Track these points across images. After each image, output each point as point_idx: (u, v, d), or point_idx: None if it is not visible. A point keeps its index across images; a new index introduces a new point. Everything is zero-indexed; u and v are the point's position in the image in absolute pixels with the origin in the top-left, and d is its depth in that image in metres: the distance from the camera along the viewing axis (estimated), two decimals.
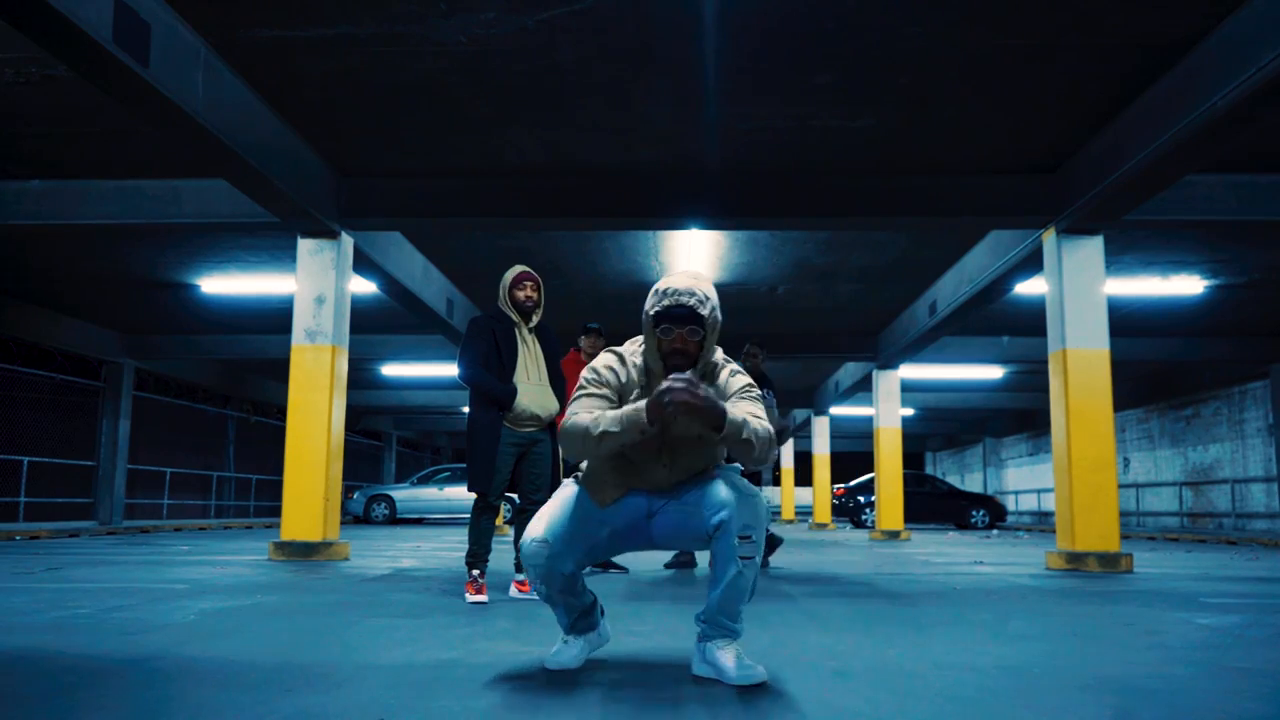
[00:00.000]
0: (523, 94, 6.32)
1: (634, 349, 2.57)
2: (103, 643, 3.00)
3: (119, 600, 4.26)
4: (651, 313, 2.42)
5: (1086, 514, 7.12)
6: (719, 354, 2.56)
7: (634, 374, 2.51)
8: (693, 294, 2.39)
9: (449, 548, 9.71)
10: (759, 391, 2.50)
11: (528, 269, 4.62)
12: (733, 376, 2.51)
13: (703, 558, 7.09)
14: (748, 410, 2.41)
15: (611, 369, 2.52)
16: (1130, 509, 20.91)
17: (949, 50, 5.70)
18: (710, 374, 2.51)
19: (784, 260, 10.41)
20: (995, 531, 19.70)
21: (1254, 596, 5.02)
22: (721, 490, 2.39)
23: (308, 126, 6.90)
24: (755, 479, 37.31)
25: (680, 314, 2.39)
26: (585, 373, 2.52)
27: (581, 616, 2.63)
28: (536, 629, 3.43)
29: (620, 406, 2.46)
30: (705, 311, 2.40)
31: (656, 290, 2.42)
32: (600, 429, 2.34)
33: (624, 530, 2.53)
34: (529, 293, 4.57)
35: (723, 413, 2.29)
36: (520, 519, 4.69)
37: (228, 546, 9.61)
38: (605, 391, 2.48)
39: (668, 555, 7.05)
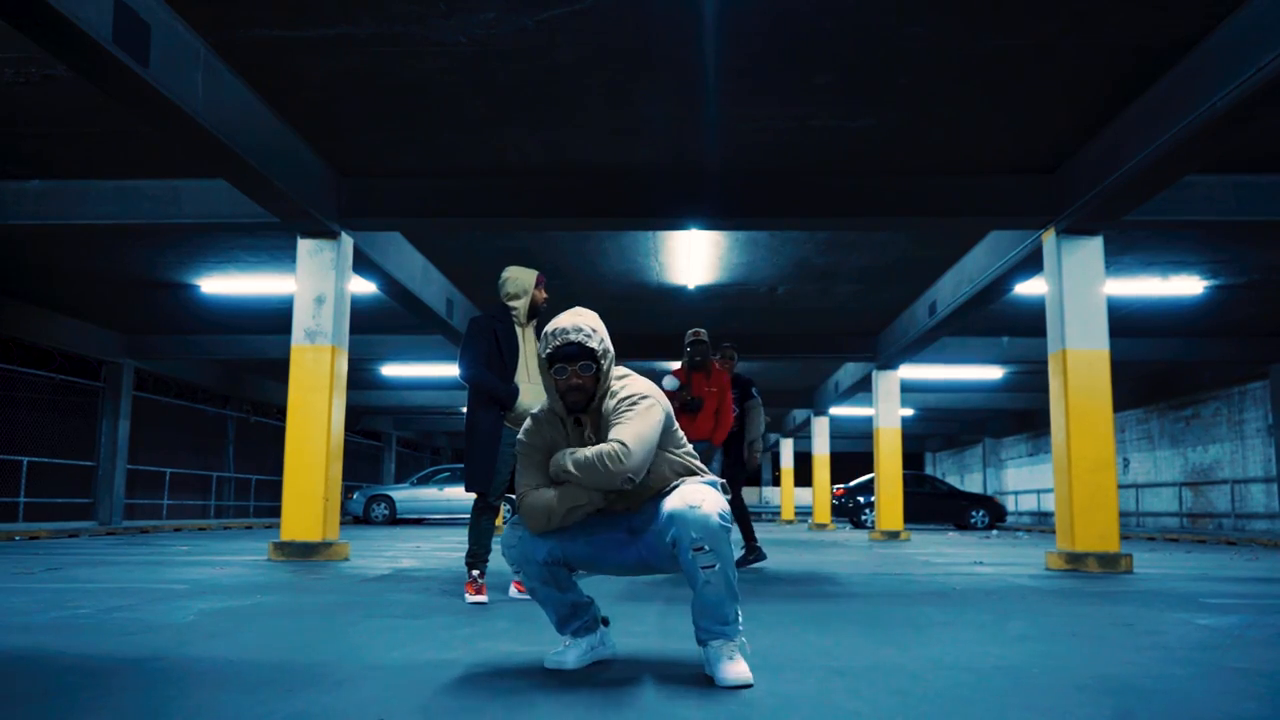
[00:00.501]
0: (523, 94, 6.32)
1: (547, 403, 2.62)
2: (102, 643, 3.00)
3: (119, 600, 4.26)
4: (544, 356, 2.48)
5: (1086, 514, 7.12)
6: (614, 378, 2.56)
7: (552, 426, 2.57)
8: (579, 330, 2.45)
9: (449, 548, 9.71)
10: (641, 402, 2.45)
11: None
12: (612, 399, 2.50)
13: None
14: (614, 431, 2.41)
15: (530, 432, 2.58)
16: (1130, 509, 20.91)
17: (949, 50, 5.71)
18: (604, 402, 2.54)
19: (784, 260, 10.41)
20: (995, 532, 19.70)
21: (1253, 597, 5.02)
22: (667, 507, 2.40)
23: (308, 126, 6.90)
24: (751, 482, 37.32)
25: (570, 352, 2.44)
26: (516, 445, 2.62)
27: (571, 617, 2.63)
28: (536, 629, 3.43)
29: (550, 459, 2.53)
30: (594, 344, 2.45)
31: (544, 334, 2.49)
32: (566, 506, 2.45)
33: (603, 541, 2.55)
34: (545, 294, 4.65)
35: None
36: None
37: (227, 547, 9.61)
38: (540, 458, 2.55)
39: None
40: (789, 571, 6.60)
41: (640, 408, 2.44)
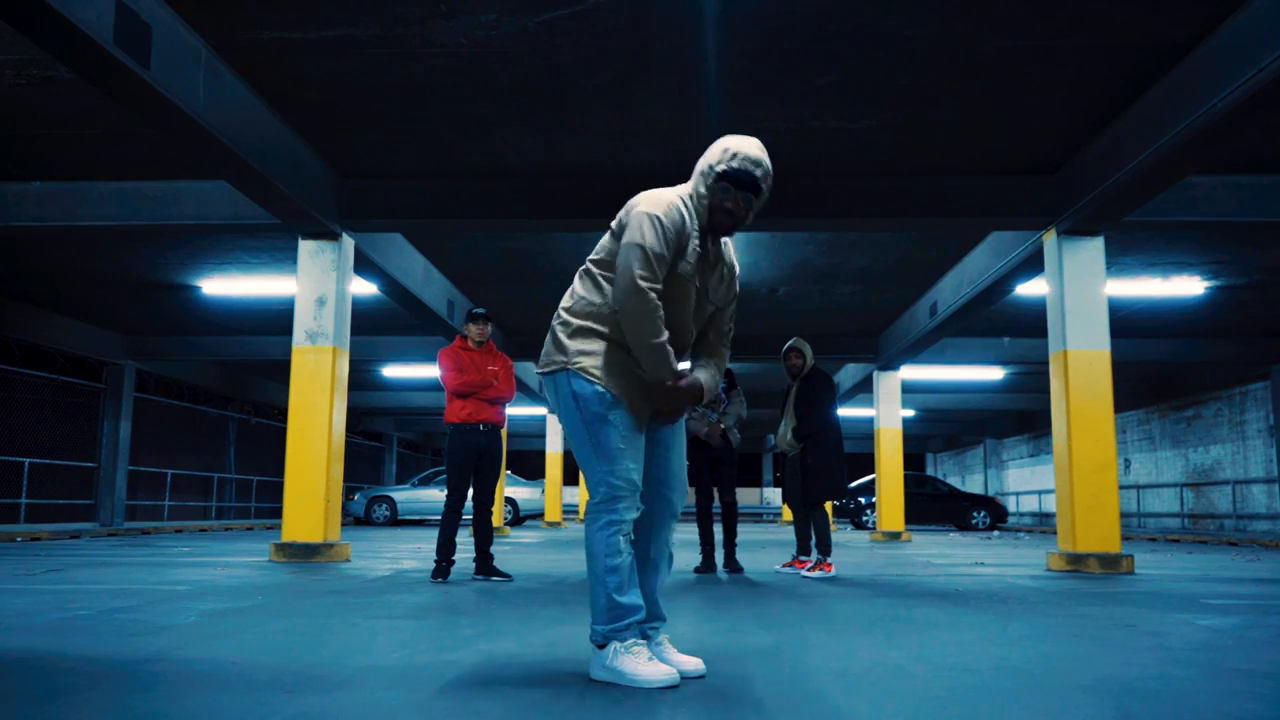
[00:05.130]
0: (523, 95, 6.33)
1: (685, 195, 2.50)
2: (104, 644, 3.00)
3: (120, 602, 4.26)
4: (719, 169, 2.43)
5: (1087, 515, 7.12)
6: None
7: (691, 223, 2.45)
8: (760, 164, 2.43)
9: None
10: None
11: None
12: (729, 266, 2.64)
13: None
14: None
15: (677, 217, 2.41)
16: (1131, 510, 20.89)
17: (949, 51, 5.71)
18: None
19: (785, 261, 10.41)
20: (996, 533, 19.68)
21: (1255, 598, 5.01)
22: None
23: (309, 128, 6.91)
24: (751, 483, 37.19)
25: (748, 181, 2.42)
26: (650, 236, 2.35)
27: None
28: (537, 629, 3.43)
29: (674, 260, 2.41)
30: (765, 187, 2.46)
31: (727, 149, 2.43)
32: (659, 358, 2.39)
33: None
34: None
35: (702, 392, 2.53)
36: None
37: (229, 548, 9.61)
38: (674, 249, 2.41)
39: None
40: (791, 573, 6.60)
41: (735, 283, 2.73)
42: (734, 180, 2.41)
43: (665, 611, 2.60)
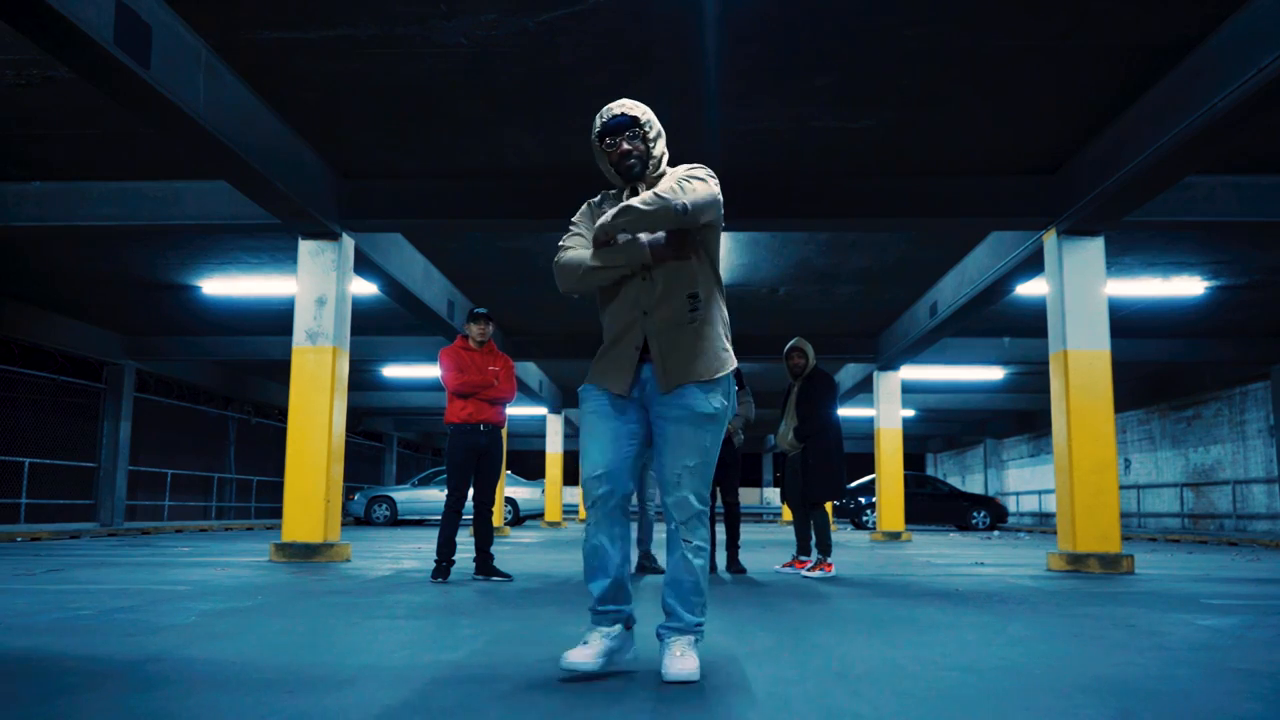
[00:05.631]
0: (523, 95, 6.33)
1: (602, 195, 2.79)
2: (104, 644, 3.00)
3: (120, 602, 4.26)
4: (594, 136, 2.65)
5: (1087, 515, 7.12)
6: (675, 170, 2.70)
7: (601, 210, 2.71)
8: (622, 104, 2.64)
9: None
10: (702, 172, 2.59)
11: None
12: (672, 175, 2.63)
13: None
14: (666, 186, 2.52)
15: (582, 214, 2.74)
16: (1131, 510, 20.89)
17: (949, 51, 5.71)
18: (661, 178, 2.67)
19: (785, 261, 10.41)
20: (996, 533, 19.68)
21: (1255, 598, 5.01)
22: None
23: (309, 128, 6.90)
24: (752, 483, 37.06)
25: (617, 123, 2.61)
26: (572, 225, 2.76)
27: (612, 598, 2.56)
28: (538, 629, 3.43)
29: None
30: (638, 113, 2.62)
31: (596, 118, 2.65)
32: (594, 262, 2.57)
33: (618, 434, 2.60)
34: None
35: (635, 215, 2.48)
36: None
37: (229, 548, 9.62)
38: (585, 230, 2.70)
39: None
40: (791, 573, 6.60)
41: (706, 173, 2.59)
42: (609, 131, 2.61)
43: (679, 611, 2.56)
